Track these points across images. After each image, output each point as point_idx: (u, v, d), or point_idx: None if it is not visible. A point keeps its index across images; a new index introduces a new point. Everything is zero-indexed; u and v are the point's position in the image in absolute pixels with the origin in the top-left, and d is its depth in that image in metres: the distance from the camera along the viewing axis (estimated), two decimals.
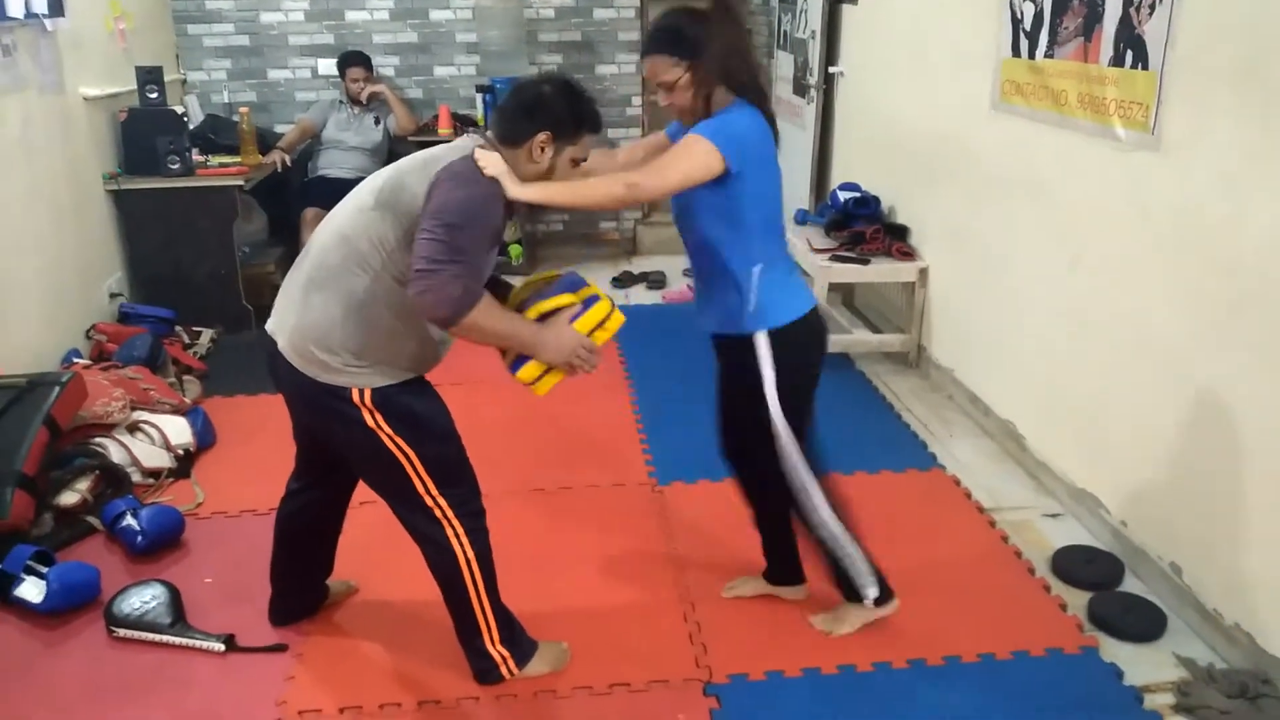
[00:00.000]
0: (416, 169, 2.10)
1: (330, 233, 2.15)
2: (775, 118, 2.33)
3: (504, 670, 2.37)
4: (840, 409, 3.97)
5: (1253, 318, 2.38)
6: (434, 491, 2.21)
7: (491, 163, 2.08)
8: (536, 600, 2.72)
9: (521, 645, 2.40)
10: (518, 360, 2.18)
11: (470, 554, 2.26)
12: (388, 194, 2.09)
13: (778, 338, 2.30)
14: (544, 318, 2.18)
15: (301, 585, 2.63)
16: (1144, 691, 2.38)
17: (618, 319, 2.21)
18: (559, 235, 6.54)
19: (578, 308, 2.18)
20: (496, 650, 2.35)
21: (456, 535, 2.24)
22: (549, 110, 2.12)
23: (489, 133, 2.20)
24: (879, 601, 2.54)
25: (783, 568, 2.68)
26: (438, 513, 2.23)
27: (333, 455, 2.32)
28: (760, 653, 2.51)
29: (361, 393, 2.12)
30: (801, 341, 2.35)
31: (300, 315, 2.14)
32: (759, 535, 2.68)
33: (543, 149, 2.12)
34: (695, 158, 2.17)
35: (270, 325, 2.23)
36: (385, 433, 2.14)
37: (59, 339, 4.03)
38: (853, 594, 2.54)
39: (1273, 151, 2.29)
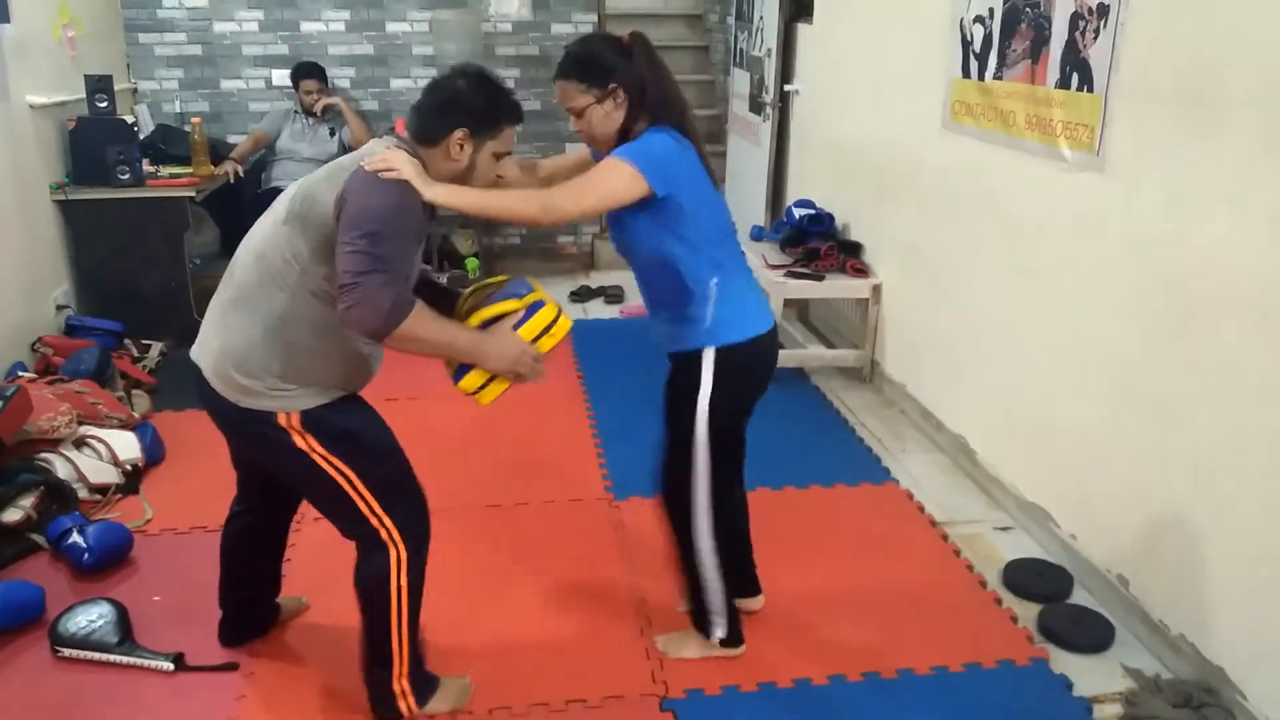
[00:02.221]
0: (324, 178, 2.04)
1: (247, 251, 2.10)
2: (701, 144, 2.28)
3: (403, 705, 2.29)
4: (795, 423, 4.01)
5: (1195, 333, 2.44)
6: (379, 511, 2.14)
7: (399, 162, 2.00)
8: (491, 616, 2.71)
9: (424, 681, 2.33)
10: (460, 369, 2.12)
11: (404, 582, 2.18)
12: (298, 206, 2.03)
13: (725, 355, 2.26)
14: (487, 325, 2.12)
15: (251, 605, 2.58)
16: (1093, 702, 2.43)
17: (564, 324, 2.15)
18: (516, 249, 6.54)
19: (521, 314, 2.12)
20: (400, 684, 2.28)
21: (398, 559, 2.16)
22: (465, 105, 2.06)
23: (405, 133, 2.13)
24: (725, 643, 2.52)
25: (737, 579, 2.69)
26: (384, 534, 2.15)
27: (272, 478, 2.26)
28: (716, 667, 2.51)
29: (289, 416, 2.05)
30: (748, 364, 2.32)
31: (221, 338, 2.08)
32: None
33: (461, 146, 2.07)
34: (614, 181, 2.14)
35: (194, 351, 2.16)
36: (319, 454, 2.08)
37: (3, 352, 3.94)
38: (703, 625, 2.52)
39: (1213, 171, 2.36)
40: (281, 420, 2.05)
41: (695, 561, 2.43)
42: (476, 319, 2.14)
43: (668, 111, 2.24)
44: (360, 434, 2.14)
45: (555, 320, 2.14)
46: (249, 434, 2.12)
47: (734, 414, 2.36)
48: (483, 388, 2.13)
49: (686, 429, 2.31)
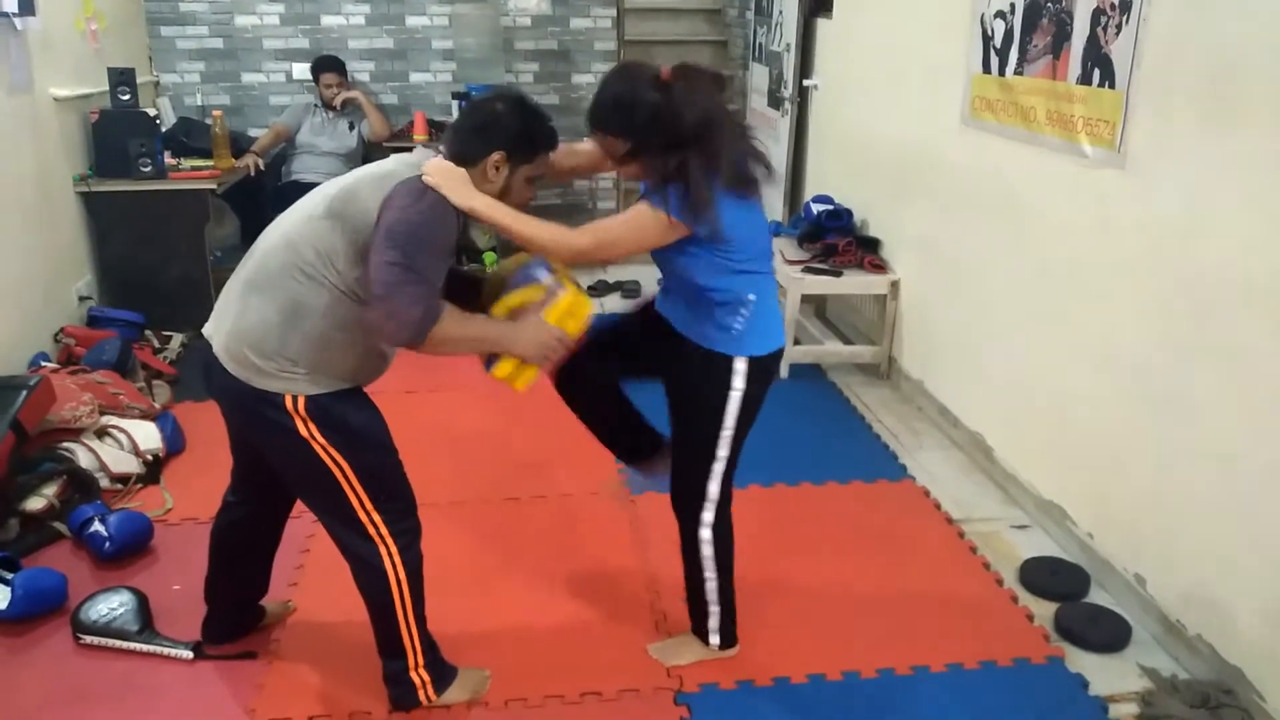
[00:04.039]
0: (369, 181, 2.06)
1: (276, 237, 2.12)
2: (757, 182, 2.19)
3: (422, 695, 2.32)
4: (812, 420, 4.01)
5: (1213, 330, 2.42)
6: (369, 506, 2.14)
7: (440, 170, 2.04)
8: (508, 609, 2.73)
9: (442, 670, 2.35)
10: (491, 358, 2.18)
11: (402, 575, 2.20)
12: (339, 204, 2.05)
13: (755, 364, 2.27)
14: (512, 313, 2.18)
15: (237, 603, 2.56)
16: (1109, 701, 2.42)
17: (586, 305, 2.20)
18: None
19: (544, 298, 2.17)
20: (418, 674, 2.30)
21: (389, 553, 2.18)
22: (503, 130, 2.10)
23: (442, 149, 2.16)
24: (722, 646, 2.53)
25: (636, 440, 2.64)
26: (371, 530, 2.16)
27: (269, 468, 2.25)
28: (730, 662, 2.52)
29: (295, 399, 2.05)
30: (767, 374, 2.33)
31: (237, 318, 2.09)
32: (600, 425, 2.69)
33: (497, 169, 2.10)
34: (649, 231, 2.12)
35: (207, 329, 2.18)
36: (319, 443, 2.08)
37: (26, 342, 3.98)
38: (700, 628, 2.52)
39: (1233, 168, 2.34)
40: (288, 403, 2.06)
41: (696, 556, 2.42)
42: (502, 308, 2.19)
43: (716, 153, 2.11)
44: (361, 429, 2.14)
45: (577, 302, 2.19)
46: (253, 415, 2.11)
47: (753, 419, 2.36)
48: (516, 374, 2.18)
49: (711, 432, 2.30)
